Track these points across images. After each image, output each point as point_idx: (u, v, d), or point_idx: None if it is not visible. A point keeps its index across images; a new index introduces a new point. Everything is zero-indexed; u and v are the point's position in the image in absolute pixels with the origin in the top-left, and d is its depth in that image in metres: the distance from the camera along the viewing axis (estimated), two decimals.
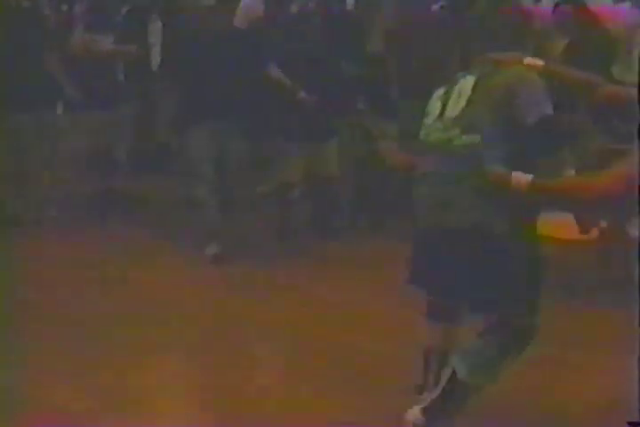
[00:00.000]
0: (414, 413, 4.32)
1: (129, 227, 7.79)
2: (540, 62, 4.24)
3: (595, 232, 6.32)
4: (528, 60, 4.25)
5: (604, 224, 6.20)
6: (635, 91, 4.20)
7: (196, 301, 6.28)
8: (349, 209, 8.13)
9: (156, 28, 8.61)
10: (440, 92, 4.40)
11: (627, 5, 7.66)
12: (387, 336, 5.50)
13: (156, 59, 8.59)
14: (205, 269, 6.91)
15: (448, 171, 4.20)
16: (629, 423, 3.69)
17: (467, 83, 4.26)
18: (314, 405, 4.72)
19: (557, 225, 5.68)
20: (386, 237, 7.45)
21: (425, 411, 4.31)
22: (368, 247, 7.39)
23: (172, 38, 8.30)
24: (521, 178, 4.03)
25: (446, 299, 4.43)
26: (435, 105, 4.38)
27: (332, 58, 7.47)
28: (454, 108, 4.26)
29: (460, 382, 4.26)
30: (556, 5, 7.12)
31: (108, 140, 8.33)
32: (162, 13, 8.74)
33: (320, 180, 7.69)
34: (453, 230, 4.19)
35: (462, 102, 4.24)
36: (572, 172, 5.81)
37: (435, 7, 8.07)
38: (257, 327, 5.78)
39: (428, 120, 4.39)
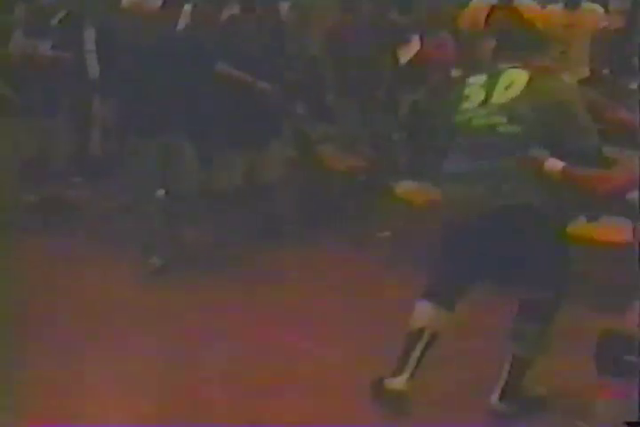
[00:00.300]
0: (494, 399, 4.55)
1: (67, 235, 7.71)
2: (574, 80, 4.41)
3: None
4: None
5: None
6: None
7: (137, 309, 6.21)
8: (293, 213, 8.10)
9: (90, 35, 8.56)
10: (481, 78, 4.50)
11: (559, 6, 7.78)
12: (333, 341, 5.50)
13: (94, 66, 8.54)
14: (146, 277, 6.79)
15: (490, 158, 4.34)
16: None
17: (520, 76, 4.38)
18: (259, 411, 4.73)
19: (607, 228, 5.82)
20: (332, 240, 7.44)
21: (501, 396, 4.54)
22: (312, 251, 7.31)
23: (112, 45, 8.25)
24: (555, 164, 4.24)
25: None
26: (477, 91, 4.46)
27: (270, 62, 7.47)
28: (502, 96, 4.38)
29: (520, 360, 4.51)
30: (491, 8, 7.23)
31: (46, 148, 8.28)
32: (99, 20, 8.70)
33: (261, 184, 7.68)
34: (498, 214, 4.34)
35: (513, 92, 4.36)
36: None
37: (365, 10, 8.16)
38: (203, 335, 5.72)
39: (468, 105, 4.48)
